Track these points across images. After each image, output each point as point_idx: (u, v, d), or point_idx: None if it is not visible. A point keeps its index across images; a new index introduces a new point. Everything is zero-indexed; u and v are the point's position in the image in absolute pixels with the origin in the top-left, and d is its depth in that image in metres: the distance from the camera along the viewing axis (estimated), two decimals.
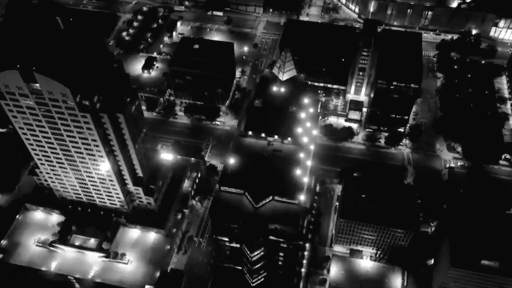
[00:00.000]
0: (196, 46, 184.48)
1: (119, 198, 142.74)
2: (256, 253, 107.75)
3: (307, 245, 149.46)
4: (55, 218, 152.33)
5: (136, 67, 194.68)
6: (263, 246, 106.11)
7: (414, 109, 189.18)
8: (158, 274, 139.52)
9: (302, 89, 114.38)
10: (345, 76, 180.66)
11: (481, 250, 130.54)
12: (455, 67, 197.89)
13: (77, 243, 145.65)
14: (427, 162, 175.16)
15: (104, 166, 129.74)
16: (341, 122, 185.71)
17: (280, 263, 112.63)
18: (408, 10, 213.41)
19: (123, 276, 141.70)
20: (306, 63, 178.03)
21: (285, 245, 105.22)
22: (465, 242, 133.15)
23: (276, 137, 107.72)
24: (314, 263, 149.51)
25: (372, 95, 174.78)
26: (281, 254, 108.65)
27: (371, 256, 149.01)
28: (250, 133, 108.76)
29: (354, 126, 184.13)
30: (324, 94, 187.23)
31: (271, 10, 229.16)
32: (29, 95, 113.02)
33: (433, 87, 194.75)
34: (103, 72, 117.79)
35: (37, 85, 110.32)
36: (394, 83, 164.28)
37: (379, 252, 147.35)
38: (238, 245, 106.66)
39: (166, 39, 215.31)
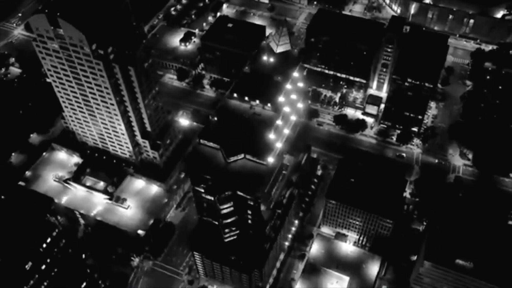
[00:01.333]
0: (230, 25, 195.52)
1: (128, 148, 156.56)
2: (225, 206, 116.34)
3: (296, 221, 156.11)
4: (74, 159, 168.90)
5: (175, 39, 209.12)
6: (231, 200, 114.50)
7: (435, 112, 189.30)
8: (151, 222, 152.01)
9: (294, 64, 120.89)
10: (367, 70, 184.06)
11: (459, 249, 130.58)
12: (487, 77, 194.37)
13: (87, 184, 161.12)
14: (436, 164, 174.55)
15: (115, 115, 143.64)
16: (357, 114, 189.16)
17: (249, 221, 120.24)
18: (449, 16, 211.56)
19: (121, 219, 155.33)
20: (330, 53, 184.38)
21: (251, 203, 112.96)
22: (445, 240, 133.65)
23: (257, 101, 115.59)
24: (298, 239, 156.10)
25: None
26: (249, 212, 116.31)
27: (354, 242, 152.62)
28: (235, 95, 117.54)
29: (370, 120, 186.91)
30: (345, 86, 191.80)
31: (315, 2, 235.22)
32: (54, 39, 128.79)
33: (459, 94, 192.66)
34: (121, 27, 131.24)
35: (61, 30, 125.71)
36: (409, 80, 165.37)
37: (361, 238, 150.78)
38: (211, 198, 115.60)
39: (210, 18, 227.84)
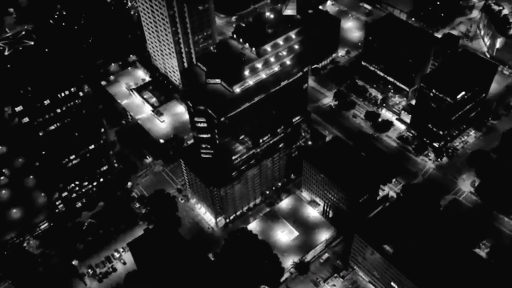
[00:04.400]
0: (310, 11, 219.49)
1: (177, 75, 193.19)
2: (199, 120, 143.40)
3: (285, 180, 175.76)
4: (145, 77, 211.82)
5: None
6: (204, 116, 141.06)
7: (471, 140, 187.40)
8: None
9: (293, 27, 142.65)
10: (412, 79, 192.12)
11: (392, 237, 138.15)
12: None
13: (144, 96, 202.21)
14: (442, 183, 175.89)
15: (170, 43, 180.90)
16: (392, 118, 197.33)
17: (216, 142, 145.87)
18: None
19: (153, 128, 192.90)
20: (382, 55, 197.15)
21: (215, 121, 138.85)
22: (381, 224, 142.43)
23: (247, 45, 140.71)
24: (278, 194, 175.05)
25: None
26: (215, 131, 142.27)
27: (321, 211, 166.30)
28: (235, 36, 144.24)
29: (402, 127, 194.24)
30: (392, 90, 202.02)
31: (413, 19, 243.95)
32: None
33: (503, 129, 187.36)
34: None
35: None
36: (434, 90, 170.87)
37: (326, 208, 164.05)
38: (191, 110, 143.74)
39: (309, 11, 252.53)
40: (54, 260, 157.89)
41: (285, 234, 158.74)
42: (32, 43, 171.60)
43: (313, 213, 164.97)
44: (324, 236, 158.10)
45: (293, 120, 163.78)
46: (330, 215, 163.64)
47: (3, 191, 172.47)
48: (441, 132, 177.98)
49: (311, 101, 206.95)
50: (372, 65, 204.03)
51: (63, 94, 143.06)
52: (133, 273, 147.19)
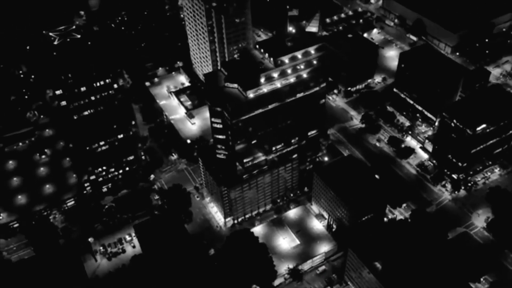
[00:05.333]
0: (350, 35, 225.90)
1: None
2: (215, 120, 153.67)
3: (298, 192, 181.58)
4: (185, 82, 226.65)
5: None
6: (220, 117, 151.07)
7: (494, 177, 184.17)
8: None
9: (313, 42, 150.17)
10: (439, 110, 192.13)
11: (385, 256, 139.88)
12: None
13: (181, 99, 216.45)
14: (455, 215, 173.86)
15: (207, 51, 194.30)
16: (416, 146, 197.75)
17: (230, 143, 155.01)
18: None
19: (183, 129, 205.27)
20: (414, 82, 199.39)
21: (228, 122, 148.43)
22: (381, 244, 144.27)
23: (266, 55, 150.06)
24: (288, 204, 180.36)
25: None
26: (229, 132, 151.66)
27: (326, 225, 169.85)
28: (257, 47, 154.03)
29: (424, 156, 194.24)
30: (420, 119, 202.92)
31: (457, 53, 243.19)
32: None
33: None
34: None
35: None
36: (455, 121, 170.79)
37: (330, 222, 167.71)
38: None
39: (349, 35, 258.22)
40: (74, 235, 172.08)
41: (286, 241, 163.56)
42: (79, 36, 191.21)
43: (317, 225, 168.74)
44: (324, 248, 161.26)
45: (309, 134, 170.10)
46: (333, 229, 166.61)
47: (42, 168, 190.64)
48: (460, 164, 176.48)
49: (339, 121, 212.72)
50: (403, 92, 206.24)
51: (98, 84, 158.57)
52: (139, 256, 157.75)
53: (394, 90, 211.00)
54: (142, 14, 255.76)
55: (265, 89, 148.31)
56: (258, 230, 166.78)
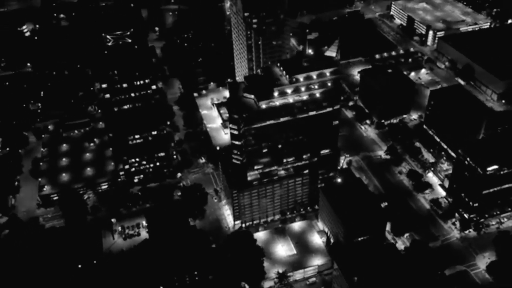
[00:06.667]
0: (390, 71, 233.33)
1: None
2: (232, 126, 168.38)
3: (309, 209, 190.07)
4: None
5: None
6: (237, 124, 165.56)
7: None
8: None
9: (328, 66, 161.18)
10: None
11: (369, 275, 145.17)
12: None
13: (221, 111, 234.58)
14: (460, 253, 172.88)
15: (245, 68, 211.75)
16: (436, 183, 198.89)
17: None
18: None
19: (216, 136, 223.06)
20: (441, 120, 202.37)
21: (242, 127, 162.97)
22: (367, 262, 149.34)
23: (284, 72, 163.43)
24: (295, 217, 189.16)
25: None
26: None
27: (326, 240, 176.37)
28: (278, 65, 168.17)
29: (442, 193, 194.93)
30: (445, 157, 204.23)
31: (503, 101, 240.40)
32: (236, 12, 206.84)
33: None
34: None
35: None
36: (468, 159, 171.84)
37: (328, 236, 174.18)
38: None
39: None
40: (100, 214, 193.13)
41: (283, 249, 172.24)
42: (130, 41, 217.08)
43: (317, 240, 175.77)
44: (317, 261, 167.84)
45: (321, 152, 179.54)
46: (330, 245, 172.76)
47: (88, 154, 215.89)
48: (471, 203, 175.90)
49: (366, 150, 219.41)
50: (432, 129, 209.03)
51: (138, 83, 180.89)
52: (147, 240, 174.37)
53: (424, 126, 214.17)
54: (204, 34, 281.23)
55: (277, 102, 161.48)
56: (260, 235, 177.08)
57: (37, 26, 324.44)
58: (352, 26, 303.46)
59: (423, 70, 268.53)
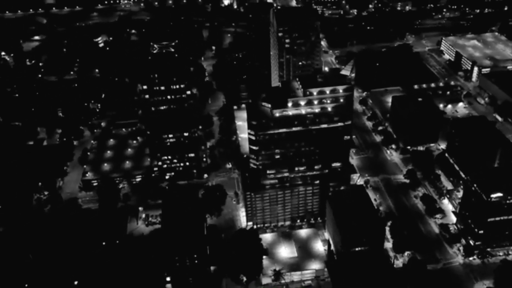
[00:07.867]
0: (420, 99, 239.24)
1: None
2: (250, 132, 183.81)
3: (318, 218, 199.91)
4: None
5: None
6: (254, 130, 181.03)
7: None
8: None
9: (342, 83, 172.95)
10: None
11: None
12: None
13: None
14: (459, 278, 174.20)
15: (276, 83, 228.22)
16: (449, 210, 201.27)
17: None
18: None
19: (245, 145, 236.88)
20: (461, 149, 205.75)
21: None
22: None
23: (299, 84, 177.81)
24: (303, 224, 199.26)
25: None
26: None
27: (326, 249, 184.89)
28: (297, 79, 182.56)
29: (454, 220, 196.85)
30: (462, 186, 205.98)
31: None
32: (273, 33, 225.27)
33: None
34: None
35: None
36: (475, 185, 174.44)
37: (329, 244, 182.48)
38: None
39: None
40: (130, 202, 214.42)
41: (285, 251, 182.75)
42: (172, 50, 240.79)
43: (320, 247, 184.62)
44: (315, 266, 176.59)
45: (332, 164, 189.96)
46: (329, 253, 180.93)
47: (129, 149, 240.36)
48: (476, 230, 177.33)
49: (387, 173, 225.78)
50: (452, 158, 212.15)
51: (174, 87, 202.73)
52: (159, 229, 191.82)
53: (446, 155, 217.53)
54: (252, 54, 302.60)
55: (290, 112, 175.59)
56: (266, 236, 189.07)
57: (110, 38, 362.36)
58: (398, 58, 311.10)
59: (461, 104, 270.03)
